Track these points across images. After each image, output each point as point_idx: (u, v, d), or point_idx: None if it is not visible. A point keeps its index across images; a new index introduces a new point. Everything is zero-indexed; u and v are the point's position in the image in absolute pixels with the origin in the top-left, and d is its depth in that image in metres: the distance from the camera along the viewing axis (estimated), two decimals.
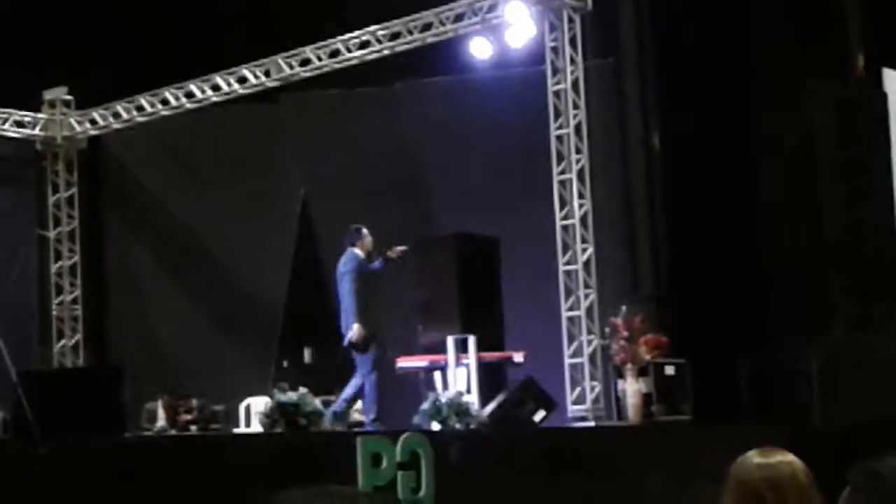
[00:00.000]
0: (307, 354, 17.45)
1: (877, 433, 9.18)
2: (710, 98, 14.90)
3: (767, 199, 15.06)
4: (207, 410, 15.31)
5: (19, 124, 18.28)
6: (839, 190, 14.68)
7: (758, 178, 15.15)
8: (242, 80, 17.04)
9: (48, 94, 18.41)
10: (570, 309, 14.49)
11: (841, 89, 14.86)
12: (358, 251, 12.15)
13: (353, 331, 12.06)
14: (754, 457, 3.86)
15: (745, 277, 14.61)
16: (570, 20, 14.84)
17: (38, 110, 18.44)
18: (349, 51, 16.26)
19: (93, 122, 18.44)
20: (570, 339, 14.45)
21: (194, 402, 15.59)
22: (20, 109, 18.18)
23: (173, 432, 15.03)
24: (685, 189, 15.00)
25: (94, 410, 8.59)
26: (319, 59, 16.46)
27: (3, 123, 18.04)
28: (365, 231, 12.52)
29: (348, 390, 12.35)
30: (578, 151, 14.69)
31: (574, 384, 14.31)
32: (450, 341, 12.86)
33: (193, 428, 15.20)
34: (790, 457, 3.87)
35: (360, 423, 12.88)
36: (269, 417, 10.58)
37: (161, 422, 15.47)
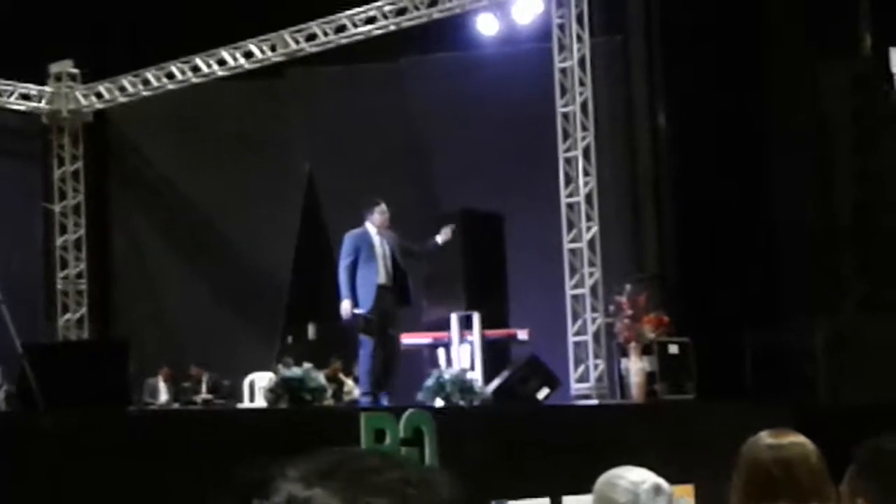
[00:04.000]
0: (311, 330, 17.48)
1: (883, 412, 9.17)
2: (718, 76, 14.87)
3: (776, 177, 15.02)
4: (218, 385, 15.34)
5: (25, 97, 18.26)
6: (849, 169, 14.65)
7: (766, 156, 15.12)
8: (248, 55, 17.01)
9: (54, 68, 18.39)
10: (575, 287, 14.48)
11: (849, 68, 14.81)
12: (368, 225, 12.04)
13: (341, 307, 11.91)
14: (765, 438, 3.84)
15: (751, 256, 14.60)
16: None
17: (43, 83, 18.42)
18: (355, 26, 16.22)
19: (98, 95, 18.42)
20: (575, 317, 14.45)
21: (205, 376, 15.60)
22: (26, 82, 18.16)
23: (176, 406, 15.06)
24: (691, 167, 14.98)
25: (99, 383, 8.57)
26: (325, 34, 16.43)
27: (9, 96, 18.03)
28: (380, 205, 12.06)
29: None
30: (584, 129, 14.66)
31: (578, 362, 14.32)
32: (454, 318, 12.85)
33: (198, 399, 15.23)
34: (801, 438, 3.85)
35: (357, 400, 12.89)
36: (274, 392, 10.57)
37: (164, 395, 15.49)
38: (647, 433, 10.64)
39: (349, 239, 11.99)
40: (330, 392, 11.52)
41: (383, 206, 12.03)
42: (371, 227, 11.94)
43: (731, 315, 13.61)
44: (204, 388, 15.59)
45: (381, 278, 11.81)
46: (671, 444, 10.19)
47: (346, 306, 11.70)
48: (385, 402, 11.08)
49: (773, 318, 13.94)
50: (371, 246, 11.89)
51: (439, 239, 12.20)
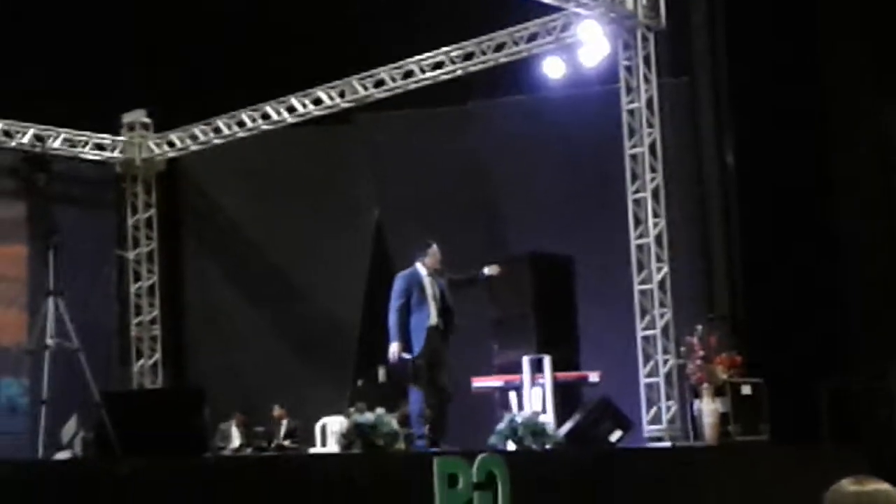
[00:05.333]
0: (381, 373, 17.53)
1: None
2: (785, 116, 14.81)
3: (847, 217, 14.90)
4: (294, 429, 15.42)
5: (99, 147, 18.56)
6: None
7: (836, 196, 15.01)
8: (317, 102, 17.19)
9: (127, 118, 18.69)
10: (646, 328, 14.43)
11: None
12: (419, 266, 12.05)
13: (390, 350, 11.91)
14: (849, 485, 3.80)
15: (824, 296, 14.47)
16: (644, 38, 14.81)
17: (117, 133, 18.72)
18: (423, 71, 16.35)
19: (171, 144, 18.68)
20: (646, 359, 14.39)
21: (286, 418, 15.65)
22: (101, 133, 18.46)
23: (249, 451, 15.13)
24: (760, 207, 14.90)
25: (175, 431, 8.67)
26: (393, 79, 16.58)
27: (84, 146, 18.34)
28: (432, 246, 12.07)
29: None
30: (653, 170, 14.64)
31: (650, 404, 14.24)
32: (525, 361, 12.85)
33: (271, 445, 15.28)
34: (885, 485, 3.81)
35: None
36: (347, 438, 10.61)
37: (236, 440, 15.58)
38: (721, 475, 10.58)
39: (400, 280, 11.99)
40: (402, 436, 11.53)
41: (435, 248, 12.06)
42: (422, 267, 11.96)
43: (805, 356, 13.49)
44: (283, 430, 15.67)
45: (433, 320, 11.81)
46: (745, 486, 10.13)
47: (394, 349, 11.71)
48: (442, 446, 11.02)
49: (847, 359, 13.80)
50: (422, 288, 11.86)
51: (486, 270, 12.26)
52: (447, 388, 11.79)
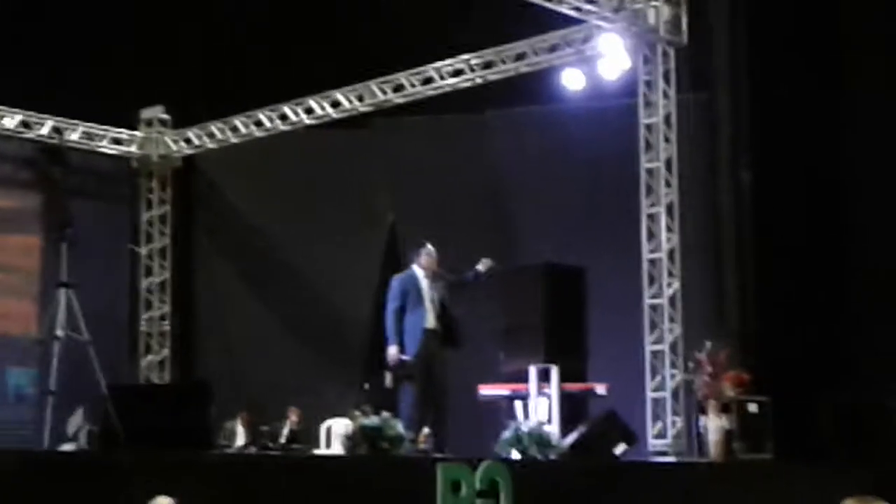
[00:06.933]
0: (388, 378, 17.51)
1: None
2: (804, 135, 14.79)
3: (860, 237, 14.87)
4: (298, 432, 15.39)
5: (117, 141, 18.62)
6: None
7: (850, 215, 14.98)
8: (335, 104, 17.22)
9: (145, 113, 18.73)
10: (655, 342, 14.43)
11: None
12: (416, 268, 12.02)
13: (388, 353, 11.90)
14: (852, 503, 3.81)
15: (834, 315, 14.45)
16: (665, 54, 14.82)
17: (135, 128, 18.77)
18: (442, 78, 16.37)
19: (188, 141, 18.72)
20: (654, 373, 14.39)
21: (295, 414, 15.63)
22: (118, 127, 18.51)
23: (254, 450, 15.12)
24: (774, 225, 14.88)
25: (181, 425, 8.69)
26: (412, 85, 16.60)
27: (101, 141, 18.39)
28: (426, 247, 12.15)
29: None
30: (668, 185, 14.65)
31: (656, 418, 14.24)
32: (532, 370, 12.84)
33: (276, 445, 15.27)
34: None
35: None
36: (352, 440, 10.63)
37: (241, 439, 15.57)
38: (725, 492, 10.56)
39: (396, 282, 12.00)
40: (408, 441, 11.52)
41: (430, 248, 12.07)
42: (418, 269, 11.95)
43: (813, 374, 13.46)
44: (286, 431, 15.65)
45: (429, 322, 11.79)
46: (748, 503, 10.12)
47: (392, 352, 11.74)
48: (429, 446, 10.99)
49: (855, 378, 13.76)
50: (419, 290, 11.85)
51: (481, 267, 12.23)
52: (443, 389, 11.80)
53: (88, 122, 18.06)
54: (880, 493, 3.94)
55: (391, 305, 11.85)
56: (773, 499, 10.25)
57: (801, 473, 11.00)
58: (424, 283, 11.86)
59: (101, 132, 18.34)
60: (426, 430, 12.84)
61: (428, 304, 11.80)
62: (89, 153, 18.16)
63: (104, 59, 16.48)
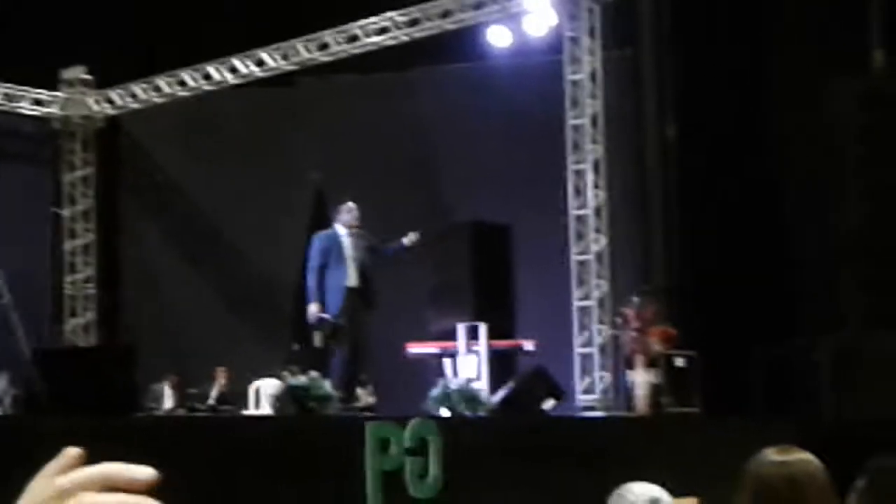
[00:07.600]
0: (317, 338, 17.46)
1: (889, 429, 9.15)
2: (728, 88, 14.87)
3: (785, 191, 15.01)
4: (227, 394, 15.34)
5: (38, 102, 18.34)
6: (858, 183, 14.61)
7: (774, 170, 15.11)
8: (260, 63, 17.07)
9: (66, 74, 18.45)
10: (582, 299, 14.50)
11: (861, 82, 14.78)
12: (338, 227, 11.93)
13: (308, 311, 11.83)
14: (771, 454, 3.83)
15: (759, 270, 14.58)
16: (590, 10, 14.83)
17: (56, 89, 18.49)
18: (367, 36, 16.27)
19: (110, 101, 18.48)
20: (582, 329, 14.47)
21: (223, 375, 15.54)
22: (39, 88, 18.23)
23: (181, 412, 15.05)
24: (701, 181, 14.98)
25: (106, 389, 8.61)
26: (338, 43, 16.49)
27: (22, 101, 18.10)
28: (347, 204, 12.00)
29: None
30: (594, 142, 14.70)
31: (584, 374, 14.33)
32: (460, 328, 12.85)
33: (204, 406, 15.21)
34: (807, 455, 3.84)
35: (370, 407, 12.89)
36: (280, 400, 10.59)
37: (169, 402, 15.48)
38: (652, 446, 10.64)
39: (318, 241, 11.87)
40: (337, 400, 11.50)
41: (351, 205, 11.94)
42: (341, 228, 11.85)
43: (740, 329, 13.59)
44: (215, 392, 15.59)
45: (351, 281, 11.69)
46: (675, 457, 10.19)
47: (313, 309, 11.64)
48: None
49: (781, 333, 13.92)
50: (340, 248, 11.73)
51: (405, 241, 12.15)
52: (364, 346, 11.79)
53: (8, 82, 17.76)
54: (802, 445, 3.96)
55: (312, 264, 11.74)
56: (700, 451, 10.34)
57: (728, 427, 11.11)
58: (347, 241, 11.74)
59: (22, 93, 18.05)
60: (369, 386, 12.85)
61: (350, 263, 11.70)
62: (10, 114, 17.88)
63: (24, 18, 16.19)
